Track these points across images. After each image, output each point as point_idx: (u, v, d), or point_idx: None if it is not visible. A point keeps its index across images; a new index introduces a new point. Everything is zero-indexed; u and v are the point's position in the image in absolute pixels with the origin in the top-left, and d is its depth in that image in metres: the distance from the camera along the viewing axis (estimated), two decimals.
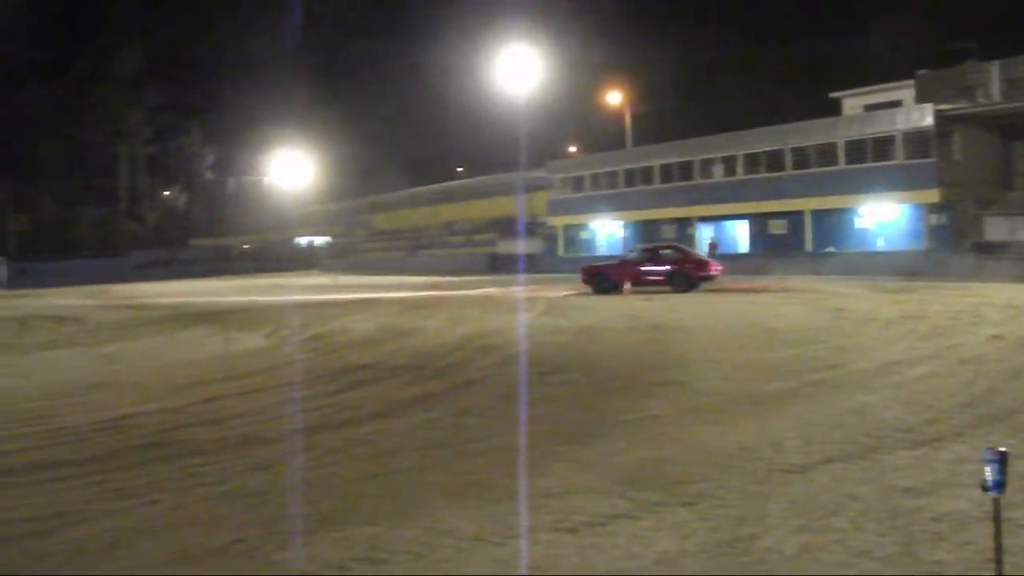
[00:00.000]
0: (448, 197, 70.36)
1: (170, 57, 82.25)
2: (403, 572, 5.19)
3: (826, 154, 40.70)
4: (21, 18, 76.19)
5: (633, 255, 32.00)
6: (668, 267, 29.24)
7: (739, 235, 45.94)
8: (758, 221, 43.65)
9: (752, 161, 43.79)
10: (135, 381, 14.01)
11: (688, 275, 28.72)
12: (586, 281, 30.19)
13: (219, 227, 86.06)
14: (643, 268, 29.62)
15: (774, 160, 42.62)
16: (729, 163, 44.83)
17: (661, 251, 31.16)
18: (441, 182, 73.64)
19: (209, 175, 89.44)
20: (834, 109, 47.36)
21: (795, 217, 41.67)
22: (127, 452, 8.71)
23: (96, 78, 79.47)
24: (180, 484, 7.38)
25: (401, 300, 28.26)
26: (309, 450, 8.26)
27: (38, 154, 77.88)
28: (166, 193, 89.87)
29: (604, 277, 29.91)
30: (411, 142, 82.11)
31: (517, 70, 50.81)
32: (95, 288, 51.22)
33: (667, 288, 28.43)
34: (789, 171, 41.62)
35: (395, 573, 5.19)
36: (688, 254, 31.31)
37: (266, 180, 78.76)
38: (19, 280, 63.51)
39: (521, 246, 51.97)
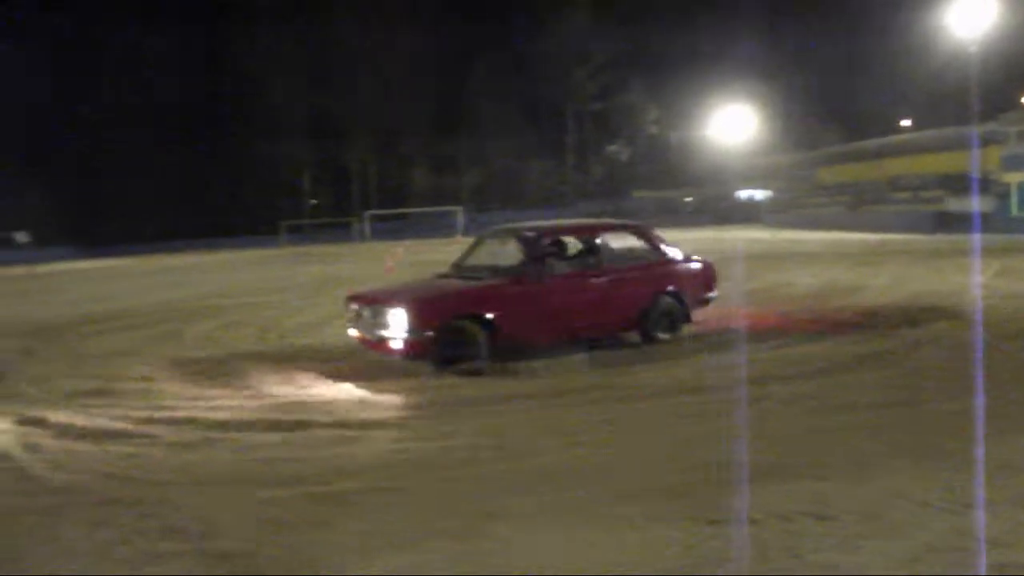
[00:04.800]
0: (893, 151, 67.08)
1: (615, 16, 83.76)
2: (851, 531, 5.07)
3: None
4: None
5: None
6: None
7: None
8: None
9: None
10: None
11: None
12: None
13: (661, 180, 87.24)
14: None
15: None
16: None
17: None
18: (886, 135, 70.52)
19: (652, 130, 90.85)
20: None
21: None
22: (576, 390, 9.23)
23: (545, 39, 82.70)
24: (627, 424, 7.66)
25: (845, 256, 27.44)
26: (756, 401, 8.28)
27: (491, 111, 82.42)
28: (611, 147, 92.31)
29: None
30: (855, 93, 78.87)
31: (969, 13, 47.54)
32: None
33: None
34: None
35: (842, 530, 5.09)
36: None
37: (708, 134, 78.80)
38: (472, 228, 67.98)
39: (974, 204, 48.69)
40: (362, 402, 9.33)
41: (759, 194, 78.36)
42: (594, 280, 11.80)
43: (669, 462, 6.49)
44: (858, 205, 64.23)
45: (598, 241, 12.30)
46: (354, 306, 11.54)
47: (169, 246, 62.81)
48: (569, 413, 8.26)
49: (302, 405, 9.20)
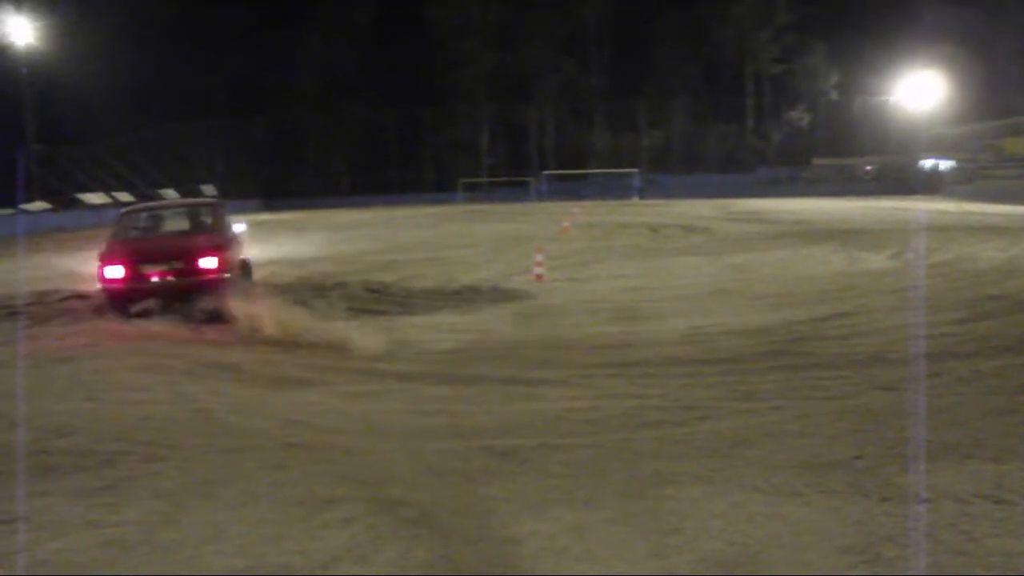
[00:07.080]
0: None
1: None
2: None
3: None
4: None
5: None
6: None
7: None
8: None
9: None
10: (760, 291, 14.50)
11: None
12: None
13: (842, 147, 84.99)
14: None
15: None
16: None
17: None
18: None
19: (833, 95, 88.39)
20: None
21: None
22: (754, 358, 9.07)
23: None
24: (804, 394, 7.53)
25: None
26: (934, 377, 8.00)
27: (672, 73, 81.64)
28: (791, 113, 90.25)
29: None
30: None
31: None
32: (720, 202, 53.15)
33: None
34: None
35: (1022, 516, 4.88)
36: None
37: (892, 101, 76.34)
38: (650, 191, 67.77)
39: None
40: (533, 356, 9.47)
41: (943, 164, 75.61)
42: None
43: (844, 435, 6.37)
44: None
45: None
46: None
47: (350, 202, 64.75)
48: (746, 379, 8.18)
49: (476, 358, 9.42)
